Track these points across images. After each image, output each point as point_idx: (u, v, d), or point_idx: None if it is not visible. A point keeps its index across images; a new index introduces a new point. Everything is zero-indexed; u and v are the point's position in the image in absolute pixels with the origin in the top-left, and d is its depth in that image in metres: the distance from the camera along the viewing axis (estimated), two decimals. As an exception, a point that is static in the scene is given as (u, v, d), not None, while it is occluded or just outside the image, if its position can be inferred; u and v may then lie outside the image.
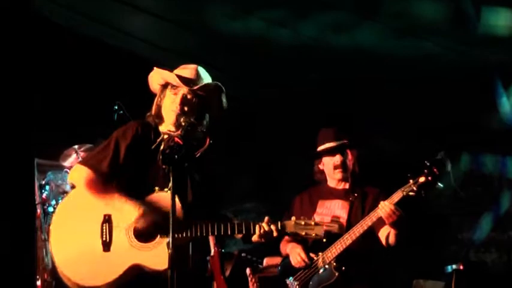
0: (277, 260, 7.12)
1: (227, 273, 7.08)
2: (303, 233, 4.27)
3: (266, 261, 7.26)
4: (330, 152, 5.68)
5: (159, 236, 4.14)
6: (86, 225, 4.21)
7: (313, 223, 4.29)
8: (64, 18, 8.53)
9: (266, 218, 4.27)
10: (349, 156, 5.70)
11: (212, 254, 6.97)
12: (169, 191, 4.09)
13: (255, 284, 6.89)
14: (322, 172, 5.82)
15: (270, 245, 7.98)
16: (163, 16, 8.02)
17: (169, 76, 4.37)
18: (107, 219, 4.20)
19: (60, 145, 8.67)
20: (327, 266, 5.37)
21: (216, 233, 4.20)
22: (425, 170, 5.14)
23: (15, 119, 7.13)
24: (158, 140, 4.37)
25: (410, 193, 5.16)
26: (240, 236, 4.36)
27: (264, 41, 8.05)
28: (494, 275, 7.55)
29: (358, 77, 8.13)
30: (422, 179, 5.14)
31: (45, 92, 7.79)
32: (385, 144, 7.96)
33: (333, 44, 7.92)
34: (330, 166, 5.70)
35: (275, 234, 4.24)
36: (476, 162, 8.25)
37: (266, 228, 4.22)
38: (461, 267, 7.28)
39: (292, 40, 7.98)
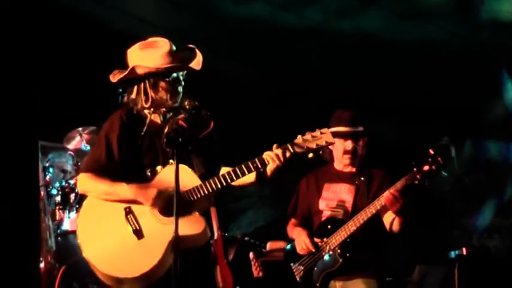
0: (280, 244, 7.13)
1: (230, 257, 7.07)
2: (314, 146, 4.20)
3: (269, 246, 7.27)
4: (342, 137, 5.58)
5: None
6: (112, 224, 4.22)
7: (319, 133, 4.23)
8: (67, 0, 8.51)
9: (275, 145, 4.21)
10: (361, 143, 5.61)
11: (215, 238, 6.95)
12: (173, 163, 4.09)
13: (258, 268, 6.90)
14: (331, 152, 5.70)
15: (274, 229, 8.03)
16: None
17: (166, 71, 4.32)
18: (129, 211, 4.22)
19: (64, 127, 8.67)
20: (331, 253, 5.34)
21: (235, 178, 4.19)
22: (430, 159, 5.11)
23: (18, 102, 7.15)
24: (147, 123, 4.35)
25: (414, 181, 5.14)
26: (251, 180, 4.35)
27: (269, 25, 8.04)
28: (497, 260, 7.56)
29: (361, 61, 8.13)
30: (426, 168, 5.10)
31: (48, 75, 7.80)
32: (388, 129, 7.95)
33: (338, 28, 7.92)
34: (339, 150, 5.61)
35: (288, 155, 4.17)
36: (480, 148, 8.25)
37: (279, 153, 4.16)
38: (464, 252, 7.29)
39: (296, 24, 7.98)
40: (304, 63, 8.56)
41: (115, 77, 4.41)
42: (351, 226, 5.28)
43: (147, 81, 4.33)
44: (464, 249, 7.29)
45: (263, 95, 8.94)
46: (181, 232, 3.91)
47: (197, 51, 4.47)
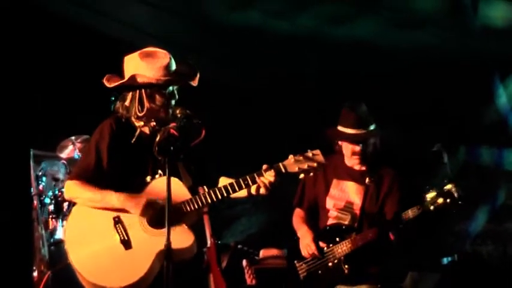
0: (273, 252, 7.14)
1: (223, 264, 7.08)
2: (305, 166, 4.19)
3: (262, 253, 7.27)
4: (349, 141, 5.48)
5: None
6: (100, 234, 4.21)
7: (311, 154, 4.23)
8: (59, 8, 8.51)
9: (264, 166, 4.21)
10: (371, 140, 5.50)
11: (208, 245, 6.96)
12: (162, 176, 4.17)
13: (251, 276, 6.89)
14: (341, 146, 5.60)
15: (267, 237, 8.03)
16: (160, 5, 8.04)
17: (164, 83, 4.33)
18: (118, 220, 4.21)
19: (57, 136, 8.66)
20: (336, 261, 5.33)
21: (225, 194, 4.19)
22: (445, 190, 5.08)
23: (11, 110, 7.15)
24: (137, 134, 4.35)
25: (426, 212, 5.12)
26: (243, 194, 4.33)
27: (262, 32, 8.05)
28: (490, 266, 7.56)
29: (355, 68, 8.13)
30: (440, 201, 5.08)
31: (42, 84, 7.80)
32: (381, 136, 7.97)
33: (331, 36, 7.92)
34: (347, 150, 5.51)
35: (277, 177, 4.16)
36: (472, 154, 8.25)
37: (267, 176, 4.16)
38: (457, 259, 7.29)
39: (290, 31, 7.99)
40: (298, 71, 8.56)
41: (110, 82, 4.39)
42: (359, 240, 5.25)
43: (143, 91, 4.31)
44: (457, 256, 7.30)
45: (256, 102, 8.94)
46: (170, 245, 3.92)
47: (194, 66, 4.47)
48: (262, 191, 4.22)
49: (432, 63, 7.88)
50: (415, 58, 7.91)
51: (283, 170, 4.21)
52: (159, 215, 4.13)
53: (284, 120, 8.82)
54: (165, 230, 3.98)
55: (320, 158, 4.25)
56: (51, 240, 8.01)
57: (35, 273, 7.49)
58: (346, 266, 5.26)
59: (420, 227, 5.30)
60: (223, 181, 4.33)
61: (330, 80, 8.34)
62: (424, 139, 7.25)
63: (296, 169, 4.22)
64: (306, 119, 8.44)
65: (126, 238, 4.16)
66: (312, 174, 4.29)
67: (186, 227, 4.14)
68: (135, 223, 4.19)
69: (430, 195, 5.11)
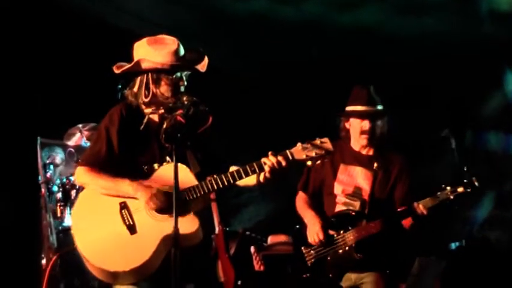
0: (281, 238, 7.14)
1: (232, 251, 7.09)
2: (313, 154, 4.16)
3: (270, 240, 7.28)
4: (359, 116, 5.45)
5: None
6: (106, 218, 4.23)
7: (319, 142, 4.19)
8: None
9: (270, 152, 4.17)
10: (379, 122, 5.47)
11: (216, 232, 6.97)
12: (170, 162, 4.16)
13: (260, 262, 6.90)
14: (348, 131, 5.58)
15: (274, 224, 8.03)
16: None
17: (171, 68, 4.33)
18: (124, 206, 4.22)
19: (64, 124, 8.68)
20: (347, 249, 5.30)
21: (232, 181, 4.19)
22: (465, 180, 5.07)
23: (19, 99, 7.17)
24: (145, 121, 4.36)
25: (446, 201, 5.10)
26: (252, 182, 4.32)
27: (267, 19, 8.04)
28: (498, 252, 7.56)
29: (361, 54, 8.12)
30: (460, 189, 5.06)
31: (48, 72, 7.81)
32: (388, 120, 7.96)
33: (337, 22, 7.91)
34: (356, 129, 5.46)
35: (285, 164, 4.13)
36: (480, 140, 8.24)
37: (275, 161, 4.13)
38: (464, 244, 7.29)
39: (295, 18, 7.98)
40: (303, 58, 8.55)
41: (119, 69, 4.40)
42: (372, 228, 5.23)
43: (150, 76, 4.33)
44: (464, 241, 7.30)
45: (263, 90, 8.94)
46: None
47: (203, 53, 4.47)
48: (269, 177, 4.22)
49: (439, 49, 7.86)
50: (421, 44, 7.90)
51: (290, 157, 4.19)
52: (165, 202, 4.14)
53: (290, 107, 8.82)
54: (170, 215, 4.03)
55: (328, 145, 4.23)
56: (59, 227, 8.03)
57: (44, 261, 7.53)
58: (359, 255, 5.25)
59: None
60: (232, 169, 4.33)
61: (336, 66, 8.33)
62: (431, 125, 7.24)
63: (303, 156, 4.19)
64: (312, 106, 8.44)
65: (131, 223, 4.17)
66: (319, 162, 4.29)
67: (191, 213, 4.14)
68: (141, 208, 4.19)
69: (450, 184, 5.10)
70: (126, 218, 4.19)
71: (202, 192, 4.20)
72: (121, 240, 4.16)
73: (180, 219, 3.96)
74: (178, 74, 4.35)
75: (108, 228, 4.20)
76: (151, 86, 4.33)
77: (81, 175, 4.33)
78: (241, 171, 4.19)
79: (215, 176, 4.22)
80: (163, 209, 4.15)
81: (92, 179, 4.28)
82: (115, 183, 4.23)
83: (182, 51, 4.37)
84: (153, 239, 4.11)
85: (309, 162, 4.25)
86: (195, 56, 4.46)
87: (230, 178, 4.20)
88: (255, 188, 4.41)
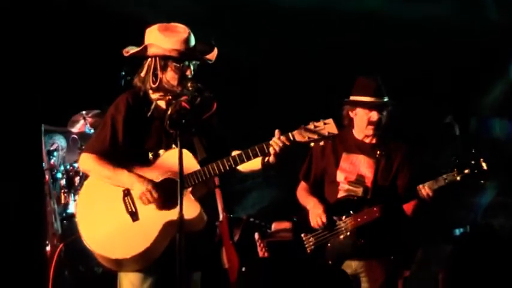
0: (285, 225, 7.13)
1: (236, 238, 7.09)
2: (316, 136, 4.16)
3: (274, 226, 7.27)
4: (368, 107, 5.43)
5: None
6: (109, 205, 4.26)
7: (322, 123, 4.18)
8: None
9: (277, 131, 4.18)
10: (385, 113, 5.46)
11: (221, 219, 6.98)
12: (175, 148, 4.20)
13: (264, 249, 6.91)
14: (351, 119, 5.57)
15: (278, 210, 8.03)
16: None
17: (178, 54, 4.32)
18: (127, 193, 4.25)
19: (68, 111, 8.69)
20: (348, 234, 5.31)
21: (233, 165, 4.20)
22: (473, 162, 5.06)
23: (23, 86, 7.16)
24: (152, 107, 4.38)
25: (452, 182, 5.10)
26: (257, 167, 4.33)
27: (272, 5, 8.02)
28: (502, 238, 7.55)
29: (364, 39, 8.10)
30: (467, 171, 5.03)
31: (52, 59, 7.80)
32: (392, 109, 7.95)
33: (340, 8, 7.89)
34: (363, 120, 5.45)
35: (288, 144, 4.14)
36: (484, 126, 8.22)
37: (279, 142, 4.14)
38: (468, 230, 7.29)
39: (298, 3, 7.95)
40: (306, 44, 8.53)
41: (128, 53, 4.42)
42: (374, 212, 5.24)
43: (158, 62, 4.33)
44: (468, 228, 7.29)
45: (265, 76, 8.91)
46: (175, 217, 3.94)
47: (214, 44, 4.48)
48: (272, 161, 4.21)
49: (443, 35, 7.84)
50: (426, 29, 7.87)
51: (291, 138, 4.18)
52: (167, 189, 4.18)
53: (293, 94, 8.80)
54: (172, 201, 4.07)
55: (331, 127, 4.20)
56: (64, 214, 8.06)
57: (48, 248, 7.55)
58: (361, 239, 5.24)
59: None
60: (234, 154, 4.33)
61: (339, 52, 8.30)
62: (434, 111, 7.22)
63: (306, 138, 4.18)
64: (315, 93, 8.41)
65: (133, 210, 4.21)
66: (322, 143, 4.27)
67: (192, 198, 4.16)
68: None
69: (456, 166, 5.09)
70: (128, 205, 4.22)
71: (203, 178, 4.21)
72: (123, 228, 4.20)
73: (178, 206, 4.00)
74: (186, 63, 4.35)
75: (111, 215, 4.23)
76: (159, 72, 4.33)
77: (85, 162, 4.37)
78: (243, 154, 4.20)
79: (217, 161, 4.22)
80: (165, 195, 4.17)
81: (94, 167, 4.32)
82: (115, 173, 4.27)
83: (193, 41, 4.37)
84: (155, 226, 4.14)
85: (312, 144, 4.23)
86: (205, 47, 4.46)
87: (232, 162, 4.21)
88: (258, 175, 4.42)
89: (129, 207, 4.22)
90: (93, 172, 4.34)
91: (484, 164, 5.02)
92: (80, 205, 4.37)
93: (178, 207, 3.88)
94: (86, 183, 4.43)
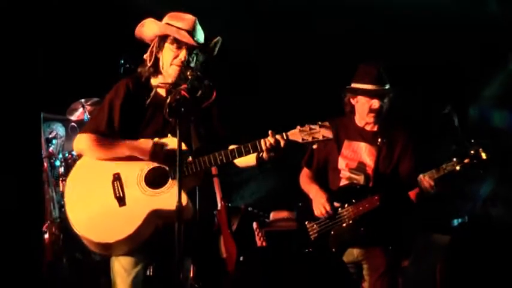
0: (283, 214, 7.15)
1: (234, 227, 7.11)
2: (310, 138, 4.19)
3: (272, 216, 7.29)
4: (369, 95, 5.45)
5: (170, 179, 4.22)
6: (98, 188, 4.28)
7: (318, 126, 4.21)
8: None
9: (270, 131, 4.20)
10: (386, 100, 5.48)
11: (219, 208, 6.99)
12: (171, 137, 4.23)
13: (262, 238, 6.92)
14: (353, 107, 5.60)
15: (276, 200, 8.03)
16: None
17: (176, 31, 4.34)
18: (117, 177, 4.27)
19: (67, 99, 8.67)
20: (351, 222, 5.32)
21: (225, 160, 4.22)
22: (472, 151, 5.07)
23: (22, 74, 7.14)
24: (152, 94, 4.41)
25: (452, 172, 5.10)
26: (252, 162, 4.34)
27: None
28: (500, 229, 7.56)
29: (365, 27, 8.08)
30: (467, 161, 5.05)
31: (51, 47, 7.78)
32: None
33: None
34: (364, 107, 5.48)
35: (282, 144, 4.17)
36: (483, 117, 8.21)
37: (272, 141, 4.16)
38: (467, 221, 7.29)
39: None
40: (306, 34, 8.51)
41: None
42: (376, 201, 5.25)
43: (156, 41, 4.39)
44: (467, 218, 7.29)
45: (263, 66, 8.90)
46: (161, 206, 4.06)
47: (218, 43, 4.51)
48: (265, 158, 4.23)
49: (444, 23, 7.82)
50: (426, 18, 7.85)
51: (285, 139, 4.20)
52: (158, 176, 4.21)
53: (293, 84, 8.78)
54: (160, 190, 4.17)
55: (327, 131, 4.23)
56: (62, 202, 8.05)
57: (46, 235, 7.56)
58: (362, 228, 5.25)
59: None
60: (228, 149, 4.34)
61: (339, 41, 8.28)
62: (432, 101, 7.22)
63: (300, 139, 4.21)
64: (315, 82, 8.40)
65: (121, 195, 4.22)
66: (315, 146, 4.29)
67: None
68: (133, 182, 4.25)
69: (456, 156, 5.09)
70: (117, 190, 4.24)
71: (193, 170, 4.22)
72: (109, 212, 4.21)
73: (168, 195, 4.10)
74: (184, 52, 4.36)
75: (98, 198, 4.25)
76: (154, 50, 4.38)
77: (80, 142, 4.39)
78: (235, 151, 4.22)
79: (209, 155, 4.24)
80: (154, 183, 4.20)
81: (89, 146, 4.33)
82: (113, 144, 4.30)
83: (198, 31, 4.40)
84: (140, 213, 4.15)
85: (306, 144, 4.26)
86: (208, 42, 4.48)
87: (224, 157, 4.23)
88: (254, 169, 4.42)
89: (117, 192, 4.23)
90: (88, 151, 4.35)
91: (483, 154, 5.02)
92: (69, 186, 4.37)
93: (164, 195, 4.05)
94: (77, 163, 4.43)
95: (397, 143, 5.48)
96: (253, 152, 4.21)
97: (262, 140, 4.19)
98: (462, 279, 6.58)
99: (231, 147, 4.28)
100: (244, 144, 4.23)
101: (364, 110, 5.46)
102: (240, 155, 4.22)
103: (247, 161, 4.32)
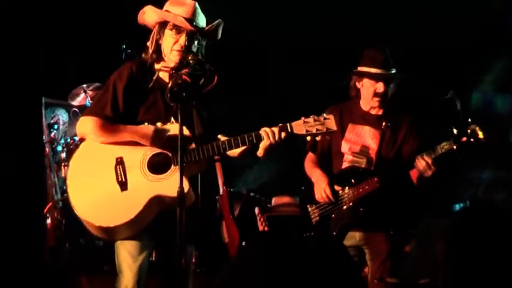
0: (285, 200, 7.16)
1: (236, 212, 7.12)
2: (314, 130, 4.21)
3: (274, 201, 7.30)
4: (374, 79, 5.41)
5: (172, 165, 4.22)
6: (100, 171, 4.27)
7: (322, 118, 4.23)
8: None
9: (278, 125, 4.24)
10: (391, 85, 5.44)
11: (221, 193, 7.00)
12: (175, 123, 4.23)
13: (264, 223, 6.93)
14: (358, 90, 5.56)
15: (279, 185, 8.04)
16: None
17: (173, 17, 4.34)
18: (120, 161, 4.27)
19: (69, 84, 8.68)
20: (351, 204, 5.31)
21: (227, 148, 4.24)
22: (469, 130, 5.05)
23: (22, 58, 7.13)
24: (154, 78, 4.41)
25: (450, 151, 5.09)
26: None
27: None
28: (503, 213, 7.57)
29: (364, 13, 8.08)
30: (464, 139, 5.02)
31: (53, 32, 7.76)
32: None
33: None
34: (369, 91, 5.43)
35: (283, 136, 4.19)
36: (485, 102, 8.21)
37: (275, 132, 4.19)
38: (469, 205, 7.29)
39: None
40: (306, 23, 8.50)
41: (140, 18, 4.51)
42: (377, 182, 5.26)
43: (157, 27, 4.41)
44: (469, 202, 7.30)
45: (267, 54, 8.89)
46: (163, 192, 4.07)
47: (220, 26, 4.51)
48: (266, 148, 4.26)
49: (446, 7, 7.81)
50: (427, 4, 7.84)
51: (289, 130, 4.21)
52: (160, 162, 4.22)
53: (296, 70, 8.78)
54: (163, 176, 4.17)
55: (331, 123, 4.25)
56: (64, 187, 8.06)
57: (49, 220, 7.57)
58: (361, 209, 5.26)
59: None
60: (224, 138, 4.37)
61: (340, 24, 8.28)
62: (436, 85, 7.21)
63: (303, 131, 4.23)
64: (318, 69, 8.40)
65: (123, 180, 4.22)
66: (318, 138, 4.29)
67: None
68: (136, 167, 4.25)
69: (452, 135, 5.08)
70: (119, 174, 4.24)
71: (196, 157, 4.22)
72: (110, 196, 4.22)
73: (170, 181, 4.09)
74: (184, 37, 4.36)
75: (100, 182, 4.25)
76: (155, 36, 4.40)
77: (84, 125, 4.38)
78: (239, 139, 4.24)
79: (208, 144, 4.24)
80: (157, 169, 4.21)
81: (93, 129, 4.30)
82: (117, 129, 4.29)
83: (198, 16, 4.40)
84: (142, 198, 4.16)
85: (308, 138, 4.27)
86: (211, 27, 4.47)
87: (227, 145, 4.25)
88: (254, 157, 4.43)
89: (119, 177, 4.23)
90: (91, 134, 4.33)
91: (480, 133, 5.00)
92: (72, 169, 4.37)
93: (166, 181, 4.06)
94: (81, 146, 4.42)
95: (401, 127, 5.47)
96: (256, 142, 4.23)
97: (265, 131, 4.22)
98: (464, 264, 6.59)
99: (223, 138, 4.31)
100: (247, 133, 4.24)
101: (369, 93, 5.44)
102: (244, 144, 4.24)
103: (238, 150, 4.38)
